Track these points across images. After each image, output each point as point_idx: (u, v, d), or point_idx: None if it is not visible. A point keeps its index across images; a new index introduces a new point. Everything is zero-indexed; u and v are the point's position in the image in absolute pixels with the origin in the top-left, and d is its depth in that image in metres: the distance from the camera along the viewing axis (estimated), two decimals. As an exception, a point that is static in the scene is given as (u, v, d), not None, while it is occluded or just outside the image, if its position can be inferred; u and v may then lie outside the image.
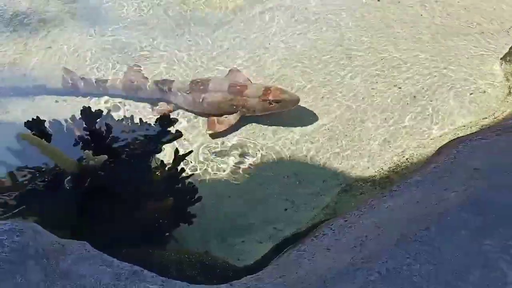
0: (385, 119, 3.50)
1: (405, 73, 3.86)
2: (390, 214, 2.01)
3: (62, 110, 3.55)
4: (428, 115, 3.52)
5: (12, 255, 1.72)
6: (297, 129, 3.48)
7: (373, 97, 3.67)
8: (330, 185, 3.12)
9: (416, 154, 3.19)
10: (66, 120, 3.21)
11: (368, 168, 3.19)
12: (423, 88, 3.72)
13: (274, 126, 3.51)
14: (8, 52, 4.11)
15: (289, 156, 3.32)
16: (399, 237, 1.86)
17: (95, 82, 3.77)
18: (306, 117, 3.56)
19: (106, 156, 2.39)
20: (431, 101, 3.63)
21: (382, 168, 3.16)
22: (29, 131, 2.68)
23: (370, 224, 1.96)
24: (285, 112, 3.55)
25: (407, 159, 3.18)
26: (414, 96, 3.66)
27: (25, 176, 2.65)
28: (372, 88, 3.74)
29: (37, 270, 1.72)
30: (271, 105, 3.48)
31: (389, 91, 3.72)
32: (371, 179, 3.09)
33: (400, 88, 3.73)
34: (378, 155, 3.27)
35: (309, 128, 3.49)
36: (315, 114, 3.57)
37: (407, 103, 3.61)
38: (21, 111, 3.54)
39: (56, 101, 3.72)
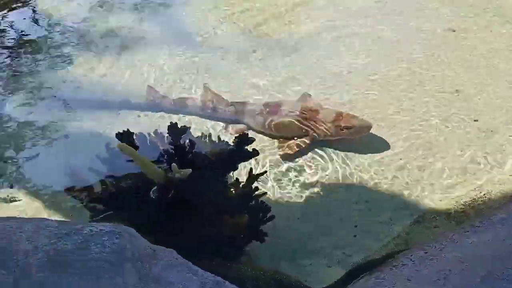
0: (461, 151, 3.43)
1: (482, 105, 3.79)
2: (474, 250, 1.97)
3: (144, 124, 3.79)
4: (507, 150, 3.42)
5: (112, 256, 1.86)
6: (368, 156, 3.48)
7: (448, 128, 3.62)
8: (401, 214, 3.08)
9: (494, 190, 3.09)
10: (149, 134, 3.45)
11: (442, 200, 3.13)
12: (501, 122, 3.63)
13: (345, 152, 3.53)
14: (98, 68, 4.45)
15: (360, 183, 3.32)
16: (485, 274, 1.82)
17: (175, 100, 4.00)
18: (377, 145, 3.56)
19: (190, 170, 2.54)
20: (510, 136, 3.52)
21: (457, 202, 3.08)
22: (119, 141, 2.89)
23: (452, 258, 1.93)
24: (356, 138, 3.58)
25: (484, 194, 3.08)
26: (492, 130, 3.57)
27: (113, 183, 2.87)
28: (447, 120, 3.69)
29: (133, 272, 1.85)
30: (342, 131, 3.52)
31: (464, 123, 3.65)
32: (445, 212, 3.02)
33: (476, 121, 3.65)
34: (453, 188, 3.20)
35: (381, 155, 3.48)
36: (387, 142, 3.56)
37: (484, 137, 3.53)
38: (108, 123, 3.81)
39: (139, 116, 3.96)
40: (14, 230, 1.91)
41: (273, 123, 3.65)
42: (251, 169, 2.97)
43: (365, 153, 3.50)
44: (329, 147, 3.58)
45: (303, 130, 3.61)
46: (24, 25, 5.10)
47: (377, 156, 3.48)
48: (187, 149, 2.81)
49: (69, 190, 2.96)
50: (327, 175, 3.39)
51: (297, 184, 3.33)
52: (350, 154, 3.52)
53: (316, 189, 3.30)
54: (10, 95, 4.22)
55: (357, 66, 4.30)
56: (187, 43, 4.77)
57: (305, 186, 3.32)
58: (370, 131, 3.54)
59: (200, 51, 4.65)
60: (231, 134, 3.74)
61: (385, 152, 3.50)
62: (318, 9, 5.09)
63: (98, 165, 3.18)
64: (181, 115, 3.97)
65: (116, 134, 2.92)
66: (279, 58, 4.49)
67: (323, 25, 4.84)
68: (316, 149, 3.57)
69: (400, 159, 3.44)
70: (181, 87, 4.25)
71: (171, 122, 2.85)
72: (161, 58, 4.56)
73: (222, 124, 3.88)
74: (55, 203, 3.21)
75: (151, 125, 3.78)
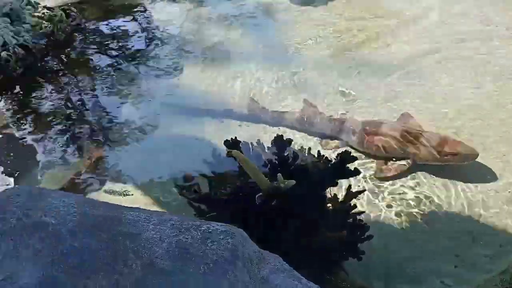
0: None
1: None
2: None
3: (245, 134, 3.97)
4: None
5: (226, 254, 1.99)
6: (472, 186, 3.34)
7: None
8: (507, 250, 2.91)
9: None
10: (251, 143, 3.62)
11: (556, 239, 2.92)
12: None
13: (446, 179, 3.42)
14: (204, 78, 4.76)
15: (462, 212, 3.19)
16: None
17: (274, 112, 4.15)
18: (482, 175, 3.40)
19: (294, 182, 2.62)
20: None
21: None
22: (227, 148, 3.07)
23: None
24: (459, 165, 3.44)
25: None
26: None
27: (219, 186, 3.05)
28: None
29: (244, 271, 1.97)
30: (446, 157, 3.40)
31: None
32: (559, 253, 2.81)
33: None
34: None
35: (486, 186, 3.32)
36: (493, 172, 3.39)
37: None
38: (212, 130, 4.07)
39: (239, 125, 4.17)
40: (143, 220, 2.12)
41: (372, 142, 3.64)
42: (349, 187, 2.99)
43: (469, 182, 3.36)
44: (430, 172, 3.49)
45: (403, 152, 3.55)
46: (136, 35, 5.61)
47: (483, 186, 3.32)
48: (290, 161, 2.92)
49: (178, 188, 3.21)
50: (427, 200, 3.30)
51: (394, 207, 3.28)
52: (452, 181, 3.40)
53: (415, 214, 3.22)
54: (123, 99, 4.63)
55: (463, 91, 4.15)
56: (287, 58, 4.94)
57: (403, 209, 3.26)
58: (476, 159, 3.40)
59: (299, 66, 4.79)
60: (328, 149, 3.80)
61: (491, 182, 3.34)
62: (422, 31, 5.01)
63: (204, 168, 3.41)
64: (279, 128, 4.12)
65: (225, 141, 3.11)
66: (379, 77, 4.48)
67: (427, 47, 4.76)
68: (416, 173, 3.50)
69: (509, 191, 3.25)
70: (281, 100, 4.40)
71: (277, 134, 2.97)
72: (261, 72, 4.77)
73: (319, 139, 3.95)
74: (163, 199, 3.47)
75: (251, 134, 3.97)
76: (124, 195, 3.55)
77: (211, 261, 1.96)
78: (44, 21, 4.79)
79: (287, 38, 5.26)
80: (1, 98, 4.54)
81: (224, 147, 3.17)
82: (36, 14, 4.81)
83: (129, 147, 4.08)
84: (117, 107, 4.54)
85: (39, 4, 4.97)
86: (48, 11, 4.91)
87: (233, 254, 2.01)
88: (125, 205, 2.61)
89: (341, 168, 2.92)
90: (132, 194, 3.58)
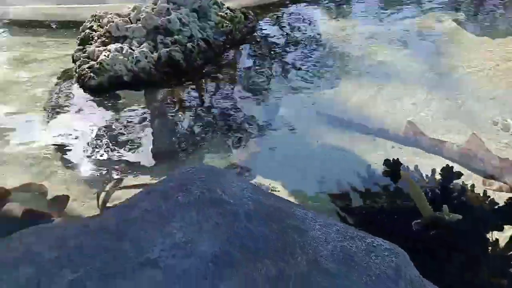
0: None
1: None
2: None
3: (396, 156, 3.84)
4: None
5: (389, 271, 2.00)
6: None
7: None
8: None
9: None
10: (407, 167, 3.53)
11: None
12: None
13: None
14: (361, 94, 4.78)
15: None
16: None
17: (433, 140, 3.98)
18: None
19: (461, 216, 2.51)
20: None
21: None
22: (385, 166, 3.07)
23: None
24: None
25: None
26: None
27: (373, 201, 3.06)
28: None
29: (409, 292, 1.96)
30: None
31: None
32: None
33: None
34: None
35: None
36: None
37: None
38: (364, 146, 4.04)
39: (392, 147, 4.09)
40: (310, 219, 2.23)
41: (546, 192, 3.29)
42: (513, 234, 2.76)
43: None
44: None
45: None
46: (297, 45, 5.83)
47: None
48: (455, 194, 2.80)
49: (330, 196, 3.29)
50: None
51: None
52: None
53: None
54: (280, 104, 4.83)
55: None
56: (452, 85, 4.70)
57: None
58: None
59: (467, 96, 4.51)
60: (489, 189, 3.52)
61: None
62: None
63: (355, 181, 3.44)
64: (436, 156, 3.93)
65: (385, 160, 3.11)
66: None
67: None
68: None
69: None
70: (440, 128, 4.18)
71: (447, 164, 2.87)
72: (423, 95, 4.61)
73: (481, 177, 3.68)
74: (308, 202, 3.58)
75: (404, 158, 3.86)
76: (272, 190, 3.74)
77: (374, 275, 1.99)
78: (226, 21, 5.30)
79: (456, 66, 4.99)
80: (179, 84, 5.14)
81: (376, 165, 3.17)
82: (220, 13, 5.34)
83: (281, 148, 4.27)
84: (275, 110, 4.77)
85: (224, 5, 5.51)
86: (230, 12, 5.42)
87: (397, 273, 2.01)
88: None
89: (510, 213, 2.72)
90: (279, 191, 3.75)
